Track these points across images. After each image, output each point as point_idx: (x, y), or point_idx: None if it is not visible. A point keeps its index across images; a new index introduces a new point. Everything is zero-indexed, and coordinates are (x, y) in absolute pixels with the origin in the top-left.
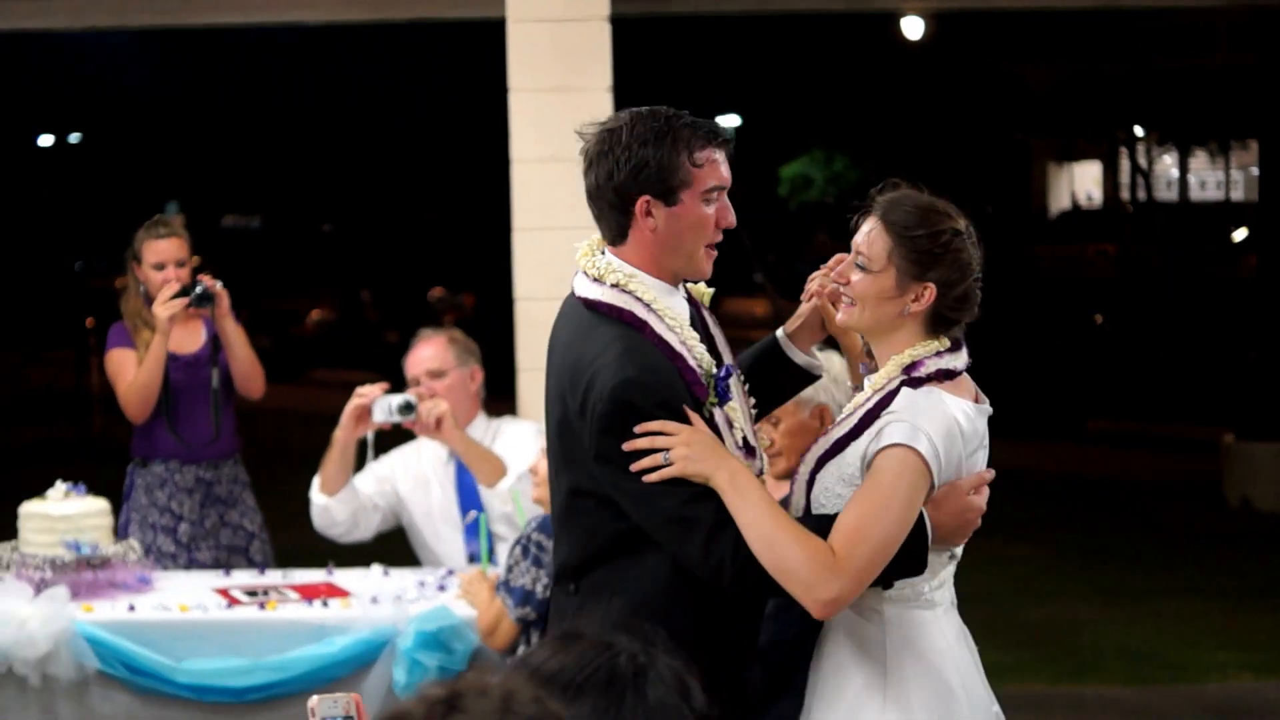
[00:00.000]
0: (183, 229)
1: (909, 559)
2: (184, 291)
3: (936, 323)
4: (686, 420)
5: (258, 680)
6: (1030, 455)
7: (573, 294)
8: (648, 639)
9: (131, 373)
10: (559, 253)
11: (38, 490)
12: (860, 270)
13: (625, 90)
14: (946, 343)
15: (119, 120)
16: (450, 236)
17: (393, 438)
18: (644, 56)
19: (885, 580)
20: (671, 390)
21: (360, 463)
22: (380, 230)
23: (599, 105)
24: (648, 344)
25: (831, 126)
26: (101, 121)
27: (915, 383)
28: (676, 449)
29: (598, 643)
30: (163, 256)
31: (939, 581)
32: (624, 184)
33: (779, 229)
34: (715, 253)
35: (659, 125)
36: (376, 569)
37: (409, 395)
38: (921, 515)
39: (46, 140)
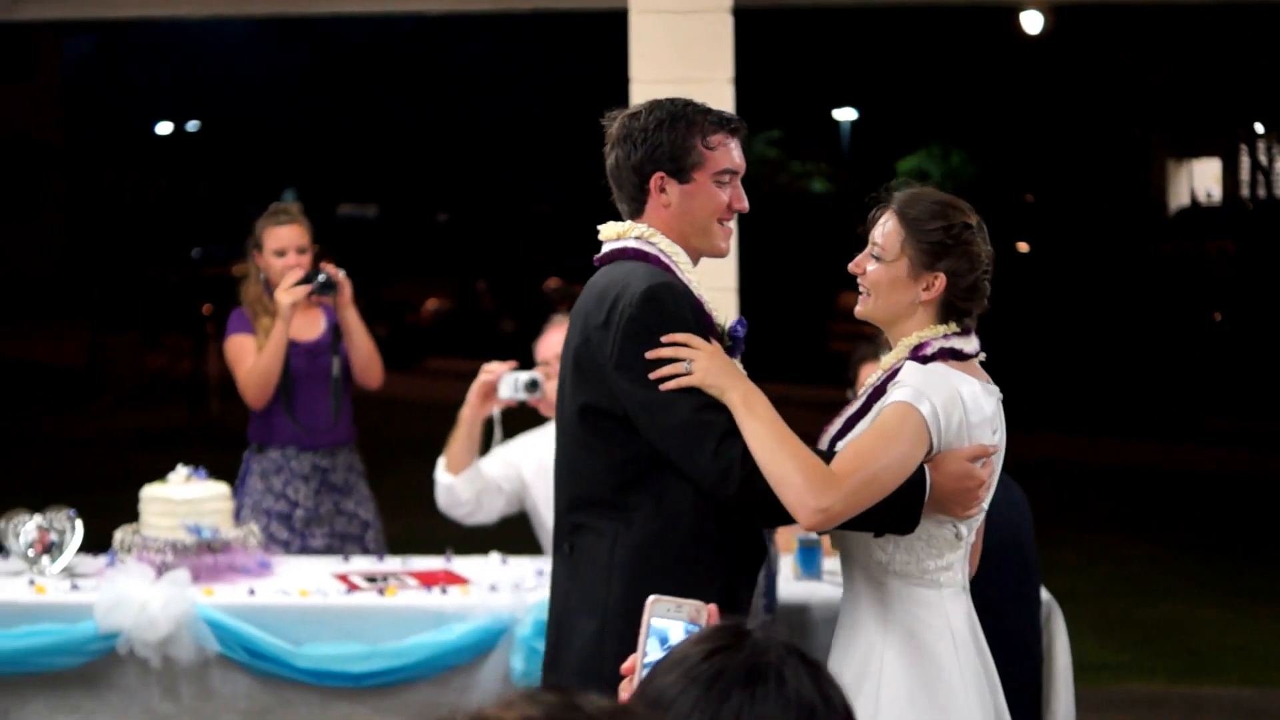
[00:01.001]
0: (303, 216)
1: (902, 512)
2: (307, 279)
3: (947, 312)
4: (708, 339)
5: (376, 666)
6: (1148, 453)
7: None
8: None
9: (251, 359)
10: None
11: (157, 475)
12: (875, 261)
13: (746, 82)
14: (955, 328)
15: (236, 109)
16: (566, 227)
17: (520, 420)
18: (763, 49)
19: (876, 528)
20: (696, 311)
21: (486, 442)
22: (496, 220)
23: (720, 97)
24: (674, 277)
25: (949, 121)
26: (219, 110)
27: (921, 360)
28: (698, 359)
29: (733, 637)
30: (284, 243)
31: (945, 563)
32: (641, 162)
33: None
34: (729, 230)
35: (675, 110)
36: (495, 556)
37: (535, 373)
38: (922, 470)
39: (165, 128)
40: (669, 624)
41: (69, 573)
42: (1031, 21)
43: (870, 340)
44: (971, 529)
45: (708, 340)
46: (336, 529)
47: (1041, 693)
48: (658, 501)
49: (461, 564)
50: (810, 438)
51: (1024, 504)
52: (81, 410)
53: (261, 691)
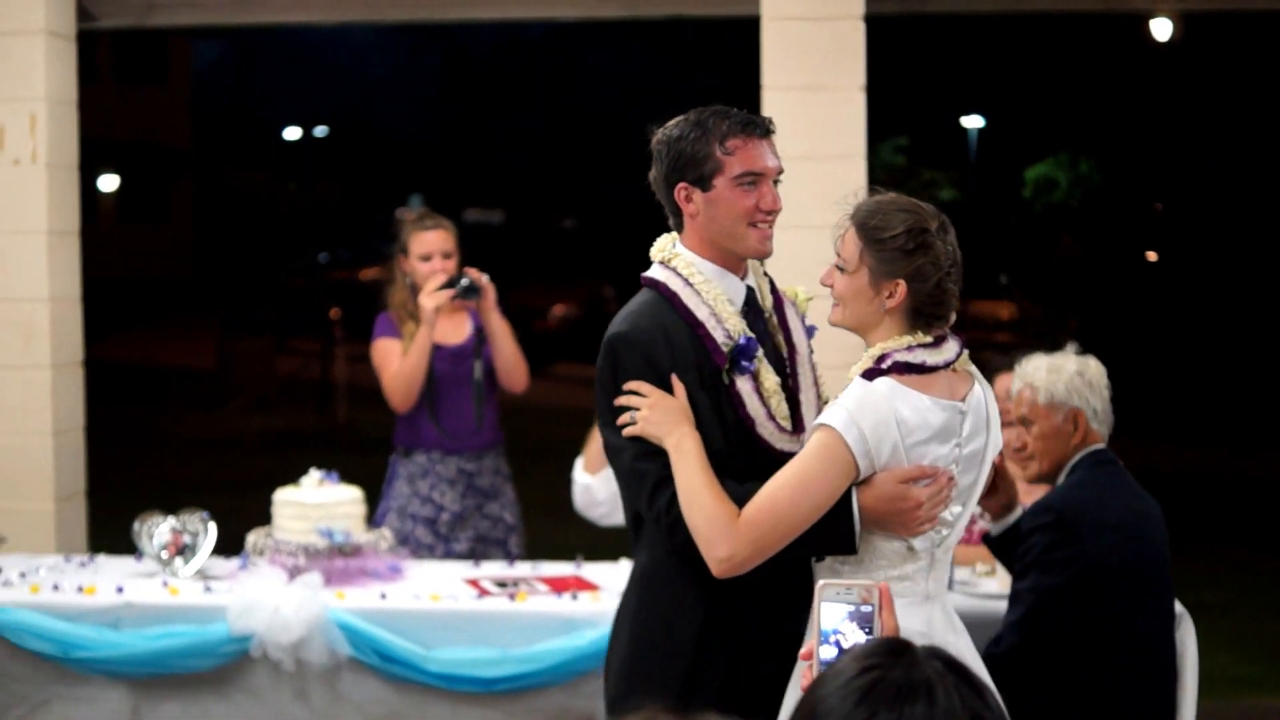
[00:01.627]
0: (449, 222)
1: (833, 537)
2: (450, 283)
3: (917, 318)
4: (666, 382)
5: (507, 671)
6: None
7: None
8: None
9: (396, 363)
10: (809, 251)
11: (286, 478)
12: (839, 272)
13: (877, 90)
14: (925, 338)
15: (364, 114)
16: None
17: None
18: (891, 56)
19: (815, 553)
20: (662, 352)
21: None
22: (623, 226)
23: (852, 104)
24: (667, 310)
25: (1077, 129)
26: (347, 115)
27: (872, 374)
28: (642, 410)
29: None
30: (430, 248)
31: (900, 573)
32: (667, 174)
33: (1024, 232)
34: (766, 231)
35: (695, 119)
36: (625, 563)
37: None
38: (849, 495)
39: (293, 134)
40: (839, 607)
41: (202, 575)
42: (1161, 29)
43: (1005, 351)
44: (936, 541)
45: (667, 382)
46: (480, 532)
47: (1176, 706)
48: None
49: (591, 570)
50: None
51: (1159, 517)
52: (211, 413)
53: (392, 695)
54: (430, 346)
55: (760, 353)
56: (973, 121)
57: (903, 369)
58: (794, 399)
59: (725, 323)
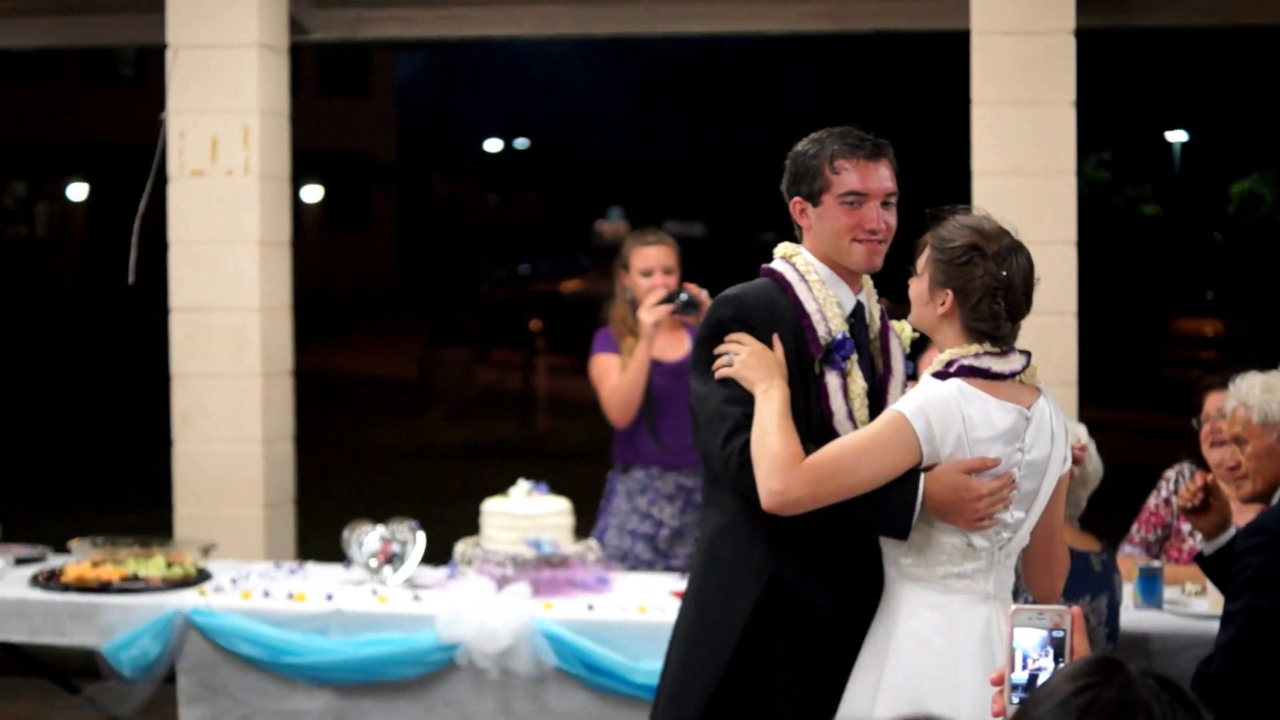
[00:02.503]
0: (670, 238)
1: (890, 513)
2: (669, 298)
3: (971, 332)
4: (767, 340)
5: None
6: None
7: None
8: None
9: (615, 378)
10: None
11: (490, 488)
12: (914, 275)
13: (1087, 104)
14: (992, 349)
15: (564, 127)
16: (898, 250)
17: None
18: (1096, 69)
19: (870, 527)
20: (764, 317)
21: None
22: None
23: (1062, 118)
24: (779, 294)
25: None
26: (548, 128)
27: (942, 375)
28: (740, 354)
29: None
30: (651, 263)
31: (960, 570)
32: (787, 187)
33: (1229, 247)
34: (873, 247)
35: (817, 137)
36: None
37: None
38: (915, 477)
39: (494, 145)
40: (1032, 632)
41: (410, 583)
42: None
43: (1216, 369)
44: (997, 543)
45: (768, 340)
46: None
47: None
48: (728, 496)
49: None
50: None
51: None
52: (413, 422)
53: (598, 706)
54: (649, 362)
55: (854, 356)
56: (1177, 136)
57: (969, 372)
58: (877, 412)
59: (829, 320)
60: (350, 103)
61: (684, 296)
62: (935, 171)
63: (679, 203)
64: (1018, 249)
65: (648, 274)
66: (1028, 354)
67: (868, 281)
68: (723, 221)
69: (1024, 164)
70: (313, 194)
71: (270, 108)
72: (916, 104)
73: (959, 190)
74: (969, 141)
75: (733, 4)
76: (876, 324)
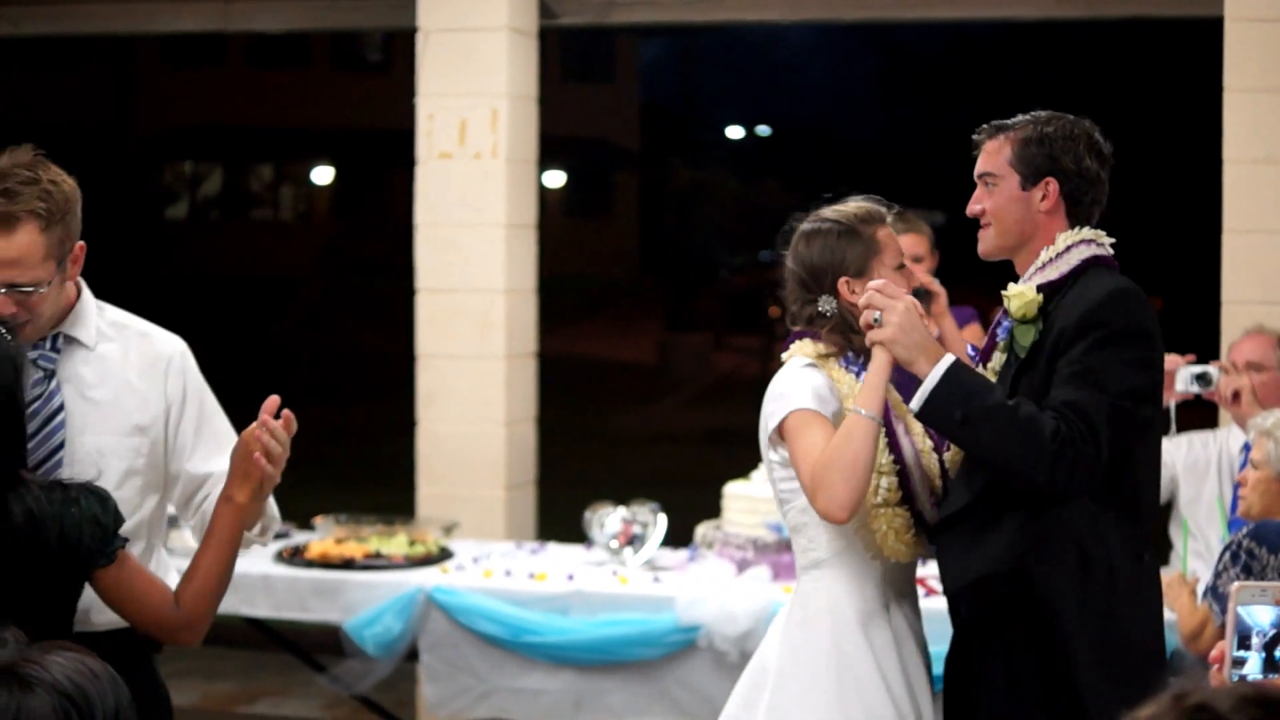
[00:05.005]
0: (924, 224)
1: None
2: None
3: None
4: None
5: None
6: None
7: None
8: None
9: None
10: (1269, 256)
11: (725, 474)
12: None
13: None
14: None
15: (805, 113)
16: (1145, 239)
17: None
18: None
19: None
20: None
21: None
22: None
23: None
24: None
25: None
26: (788, 114)
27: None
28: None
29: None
30: (906, 251)
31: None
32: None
33: None
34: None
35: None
36: None
37: (1209, 367)
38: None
39: (736, 132)
40: (1257, 609)
41: (651, 565)
42: None
43: None
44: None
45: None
46: None
47: None
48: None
49: None
50: None
51: None
52: (652, 407)
53: None
54: None
55: None
56: None
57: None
58: None
59: None
60: (593, 88)
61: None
62: (1184, 160)
63: (920, 191)
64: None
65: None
66: None
67: None
68: (964, 209)
69: (1275, 152)
70: (554, 179)
71: (519, 91)
72: (1164, 92)
73: (1209, 178)
74: (1219, 130)
75: None
76: None
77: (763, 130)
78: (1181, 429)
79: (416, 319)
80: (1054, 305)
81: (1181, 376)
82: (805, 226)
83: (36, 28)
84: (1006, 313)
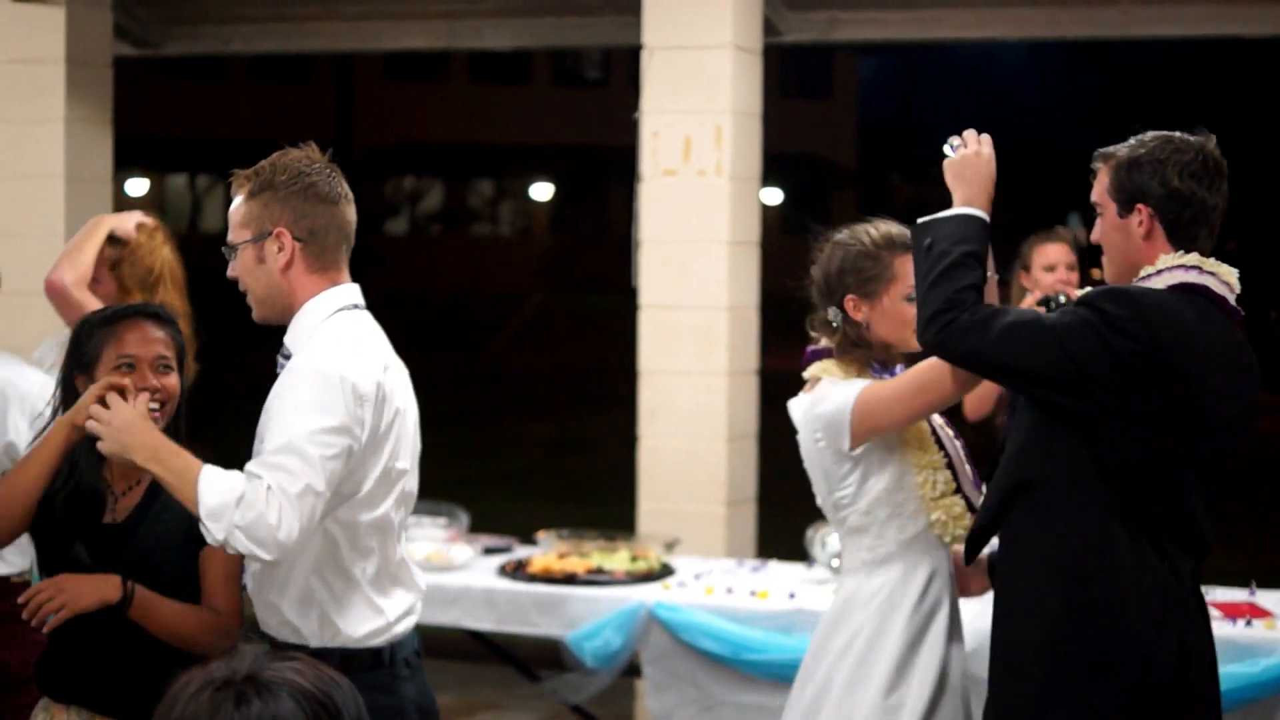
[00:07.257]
0: (1070, 234)
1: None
2: (1044, 301)
3: None
4: None
5: None
6: None
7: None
8: None
9: None
10: None
11: None
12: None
13: None
14: None
15: (1020, 130)
16: None
17: None
18: None
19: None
20: None
21: None
22: None
23: None
24: None
25: None
26: (1003, 130)
27: None
28: None
29: None
30: (1052, 259)
31: None
32: None
33: None
34: None
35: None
36: None
37: None
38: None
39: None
40: None
41: None
42: None
43: None
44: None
45: None
46: None
47: None
48: None
49: (1266, 597)
50: None
51: None
52: None
53: None
54: None
55: None
56: None
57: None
58: None
59: None
60: (812, 105)
61: (1060, 298)
62: None
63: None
64: None
65: (1050, 269)
66: None
67: None
68: None
69: None
70: (772, 196)
71: (743, 108)
72: None
73: None
74: None
75: (1206, 6)
76: None
77: None
78: None
79: (639, 334)
80: None
81: None
82: (838, 236)
83: (267, 45)
84: None
